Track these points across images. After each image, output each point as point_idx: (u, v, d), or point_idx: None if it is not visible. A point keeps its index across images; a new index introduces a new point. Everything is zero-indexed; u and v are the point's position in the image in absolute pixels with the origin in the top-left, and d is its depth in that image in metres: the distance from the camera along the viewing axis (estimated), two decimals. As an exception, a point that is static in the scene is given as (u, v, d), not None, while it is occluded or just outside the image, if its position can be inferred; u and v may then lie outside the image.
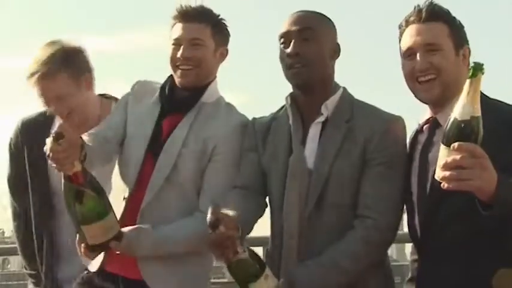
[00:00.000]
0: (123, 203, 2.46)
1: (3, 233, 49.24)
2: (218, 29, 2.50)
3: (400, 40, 2.27)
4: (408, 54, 2.22)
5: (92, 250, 2.21)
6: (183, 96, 2.50)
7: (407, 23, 2.24)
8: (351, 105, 2.17)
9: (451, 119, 1.76)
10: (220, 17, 2.53)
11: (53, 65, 2.60)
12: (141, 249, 2.32)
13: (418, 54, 2.19)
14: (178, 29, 2.46)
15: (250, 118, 2.50)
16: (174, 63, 2.47)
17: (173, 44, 2.46)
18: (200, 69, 2.45)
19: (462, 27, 2.22)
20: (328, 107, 2.16)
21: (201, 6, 2.48)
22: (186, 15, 2.44)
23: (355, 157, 2.09)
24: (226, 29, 2.54)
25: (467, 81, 1.73)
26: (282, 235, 2.12)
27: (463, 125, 1.72)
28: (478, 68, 1.70)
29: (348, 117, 2.13)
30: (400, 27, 2.27)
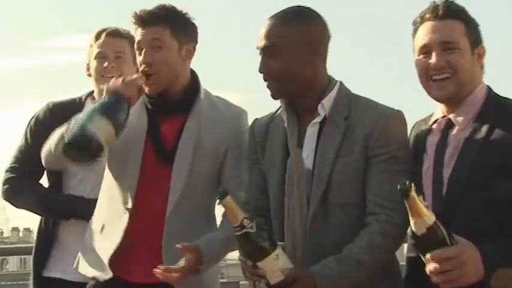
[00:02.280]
0: (127, 214, 2.44)
1: (2, 233, 49.41)
2: (179, 28, 2.45)
3: (413, 36, 2.23)
4: (423, 52, 2.18)
5: None
6: (177, 98, 2.49)
7: (423, 19, 2.20)
8: (348, 101, 2.13)
9: (414, 235, 1.88)
10: (181, 15, 2.48)
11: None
12: (217, 260, 2.42)
13: (434, 52, 2.15)
14: (138, 34, 2.44)
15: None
16: (140, 69, 2.45)
17: (136, 50, 2.46)
18: (162, 74, 2.42)
19: (478, 25, 2.19)
20: (324, 106, 2.12)
21: (158, 8, 2.44)
22: (142, 20, 2.42)
23: (357, 155, 2.06)
24: (191, 25, 2.50)
25: (405, 202, 1.82)
26: (283, 239, 2.10)
27: (425, 238, 1.86)
28: (405, 192, 1.81)
29: (346, 114, 2.10)
30: (414, 23, 2.23)
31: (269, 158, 2.19)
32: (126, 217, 2.43)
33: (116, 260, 2.44)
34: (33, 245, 2.96)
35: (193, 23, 2.50)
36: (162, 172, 2.44)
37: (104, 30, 2.90)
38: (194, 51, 2.49)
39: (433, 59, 2.14)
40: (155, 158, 2.45)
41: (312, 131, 2.12)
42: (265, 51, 2.11)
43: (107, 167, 2.56)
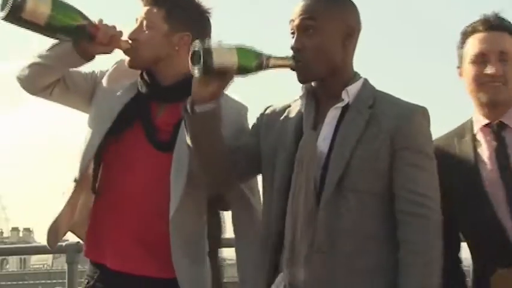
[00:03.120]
0: (72, 185, 2.43)
1: (2, 233, 49.44)
2: (176, 14, 2.41)
3: (461, 46, 2.35)
4: (478, 60, 2.28)
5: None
6: (169, 85, 2.43)
7: (474, 30, 2.32)
8: (373, 93, 2.10)
9: None
10: (188, 2, 2.45)
11: None
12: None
13: (491, 61, 2.26)
14: (140, 10, 2.44)
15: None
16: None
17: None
18: (141, 53, 2.39)
19: None
20: (349, 92, 2.07)
21: None
22: None
23: (380, 143, 2.01)
24: (194, 15, 2.45)
25: None
26: (282, 224, 2.05)
27: None
28: None
29: (371, 103, 2.06)
30: (464, 34, 2.34)
31: (278, 141, 2.14)
32: (71, 188, 2.41)
33: (88, 236, 2.45)
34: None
35: (201, 14, 2.46)
36: (152, 158, 2.38)
37: None
38: (189, 42, 2.37)
39: (490, 68, 2.25)
40: (144, 143, 2.38)
41: (332, 115, 2.07)
42: (302, 28, 2.07)
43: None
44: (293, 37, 2.08)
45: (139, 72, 2.46)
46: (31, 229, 47.45)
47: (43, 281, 35.09)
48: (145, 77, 2.44)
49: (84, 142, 2.45)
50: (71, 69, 2.45)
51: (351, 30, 2.09)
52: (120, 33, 2.37)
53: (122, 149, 2.40)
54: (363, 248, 2.01)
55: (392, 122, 2.02)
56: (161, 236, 2.31)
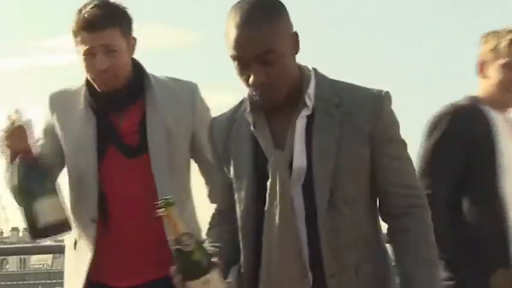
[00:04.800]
0: (93, 226, 2.39)
1: (1, 233, 49.40)
2: (125, 24, 2.37)
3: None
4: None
5: None
6: (125, 90, 2.40)
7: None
8: (332, 87, 1.91)
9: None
10: (122, 8, 2.39)
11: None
12: None
13: None
14: (86, 40, 2.33)
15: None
16: (91, 74, 2.36)
17: (86, 54, 2.34)
18: (119, 75, 2.36)
19: None
20: (310, 96, 1.87)
21: (103, 7, 2.33)
22: (92, 26, 2.32)
23: (359, 143, 1.87)
24: (129, 16, 2.41)
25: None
26: (253, 257, 1.90)
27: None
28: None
29: (337, 101, 1.88)
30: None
31: (234, 169, 1.92)
32: (92, 228, 2.39)
33: (96, 270, 2.41)
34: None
35: (129, 13, 2.42)
36: (133, 168, 2.39)
37: None
38: (136, 42, 2.42)
39: None
40: (121, 157, 2.40)
41: (300, 125, 1.87)
42: (261, 58, 1.79)
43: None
44: (243, 71, 1.81)
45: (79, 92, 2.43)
46: (31, 229, 47.32)
47: (43, 281, 35.15)
48: (95, 92, 2.40)
49: (78, 181, 2.43)
50: (39, 150, 2.42)
51: (295, 36, 1.86)
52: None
53: (106, 172, 2.40)
54: (365, 255, 1.92)
55: (365, 115, 1.87)
56: (156, 237, 2.31)
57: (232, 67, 1.84)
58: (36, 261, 41.01)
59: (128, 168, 2.40)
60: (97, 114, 2.41)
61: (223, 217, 2.01)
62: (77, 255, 2.47)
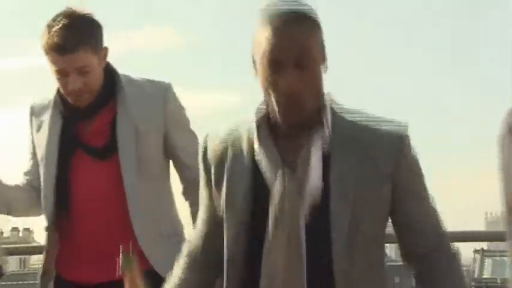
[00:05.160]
0: (50, 233, 2.48)
1: (2, 233, 49.33)
2: (95, 40, 2.37)
3: None
4: None
5: None
6: (96, 96, 2.40)
7: None
8: (348, 117, 1.77)
9: None
10: (92, 23, 2.38)
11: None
12: None
13: None
14: (57, 61, 2.33)
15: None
16: (65, 92, 2.38)
17: (58, 73, 2.35)
18: (93, 90, 2.37)
19: None
20: (328, 122, 1.73)
21: (71, 26, 2.31)
22: (63, 49, 2.30)
23: (379, 182, 1.74)
24: (100, 29, 2.41)
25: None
26: None
27: None
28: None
29: (353, 134, 1.74)
30: None
31: (227, 191, 1.75)
32: (50, 235, 2.48)
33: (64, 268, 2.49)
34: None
35: (98, 23, 2.41)
36: (103, 169, 2.42)
37: None
38: (107, 53, 2.42)
39: None
40: (89, 159, 2.42)
41: (317, 147, 1.71)
42: (296, 65, 1.67)
43: None
44: (276, 72, 1.68)
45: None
46: (31, 229, 47.34)
47: (43, 281, 35.04)
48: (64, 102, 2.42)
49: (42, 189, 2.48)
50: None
51: (325, 51, 1.75)
52: None
53: (74, 175, 2.42)
54: (375, 284, 1.80)
55: (385, 159, 1.75)
56: (123, 238, 2.27)
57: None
58: (36, 261, 40.91)
59: (97, 170, 2.40)
60: (65, 119, 2.42)
61: (194, 260, 1.90)
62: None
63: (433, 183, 2.03)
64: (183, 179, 2.53)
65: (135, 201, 2.38)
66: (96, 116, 2.41)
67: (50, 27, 2.33)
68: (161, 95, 2.45)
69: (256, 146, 1.73)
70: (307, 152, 1.71)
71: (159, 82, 2.50)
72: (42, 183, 2.47)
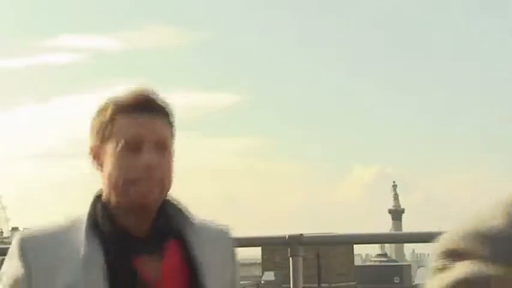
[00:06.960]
0: None
1: (2, 233, 49.35)
2: (174, 126, 1.77)
3: None
4: None
5: None
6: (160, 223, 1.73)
7: None
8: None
9: None
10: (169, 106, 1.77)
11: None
12: None
13: None
14: (132, 123, 1.67)
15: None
16: (127, 174, 1.66)
17: (127, 144, 1.66)
18: (166, 184, 1.71)
19: None
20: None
21: (153, 94, 1.71)
22: (146, 106, 1.69)
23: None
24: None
25: None
26: None
27: None
28: None
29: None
30: None
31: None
32: None
33: None
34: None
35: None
36: None
37: None
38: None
39: None
40: None
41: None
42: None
43: None
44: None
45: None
46: (31, 229, 47.35)
47: (43, 281, 34.98)
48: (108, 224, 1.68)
49: None
50: None
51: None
52: None
53: None
54: None
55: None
56: None
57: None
58: (36, 261, 40.94)
59: None
60: (108, 255, 1.65)
61: None
62: None
63: None
64: None
65: None
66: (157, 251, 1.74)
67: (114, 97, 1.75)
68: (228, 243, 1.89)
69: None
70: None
71: (218, 225, 1.93)
72: None
